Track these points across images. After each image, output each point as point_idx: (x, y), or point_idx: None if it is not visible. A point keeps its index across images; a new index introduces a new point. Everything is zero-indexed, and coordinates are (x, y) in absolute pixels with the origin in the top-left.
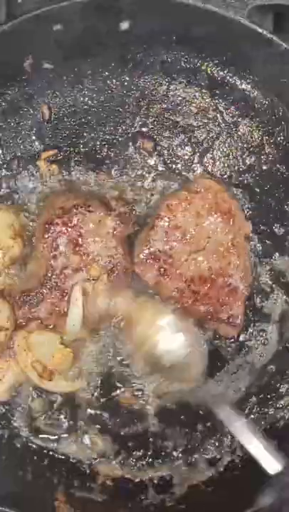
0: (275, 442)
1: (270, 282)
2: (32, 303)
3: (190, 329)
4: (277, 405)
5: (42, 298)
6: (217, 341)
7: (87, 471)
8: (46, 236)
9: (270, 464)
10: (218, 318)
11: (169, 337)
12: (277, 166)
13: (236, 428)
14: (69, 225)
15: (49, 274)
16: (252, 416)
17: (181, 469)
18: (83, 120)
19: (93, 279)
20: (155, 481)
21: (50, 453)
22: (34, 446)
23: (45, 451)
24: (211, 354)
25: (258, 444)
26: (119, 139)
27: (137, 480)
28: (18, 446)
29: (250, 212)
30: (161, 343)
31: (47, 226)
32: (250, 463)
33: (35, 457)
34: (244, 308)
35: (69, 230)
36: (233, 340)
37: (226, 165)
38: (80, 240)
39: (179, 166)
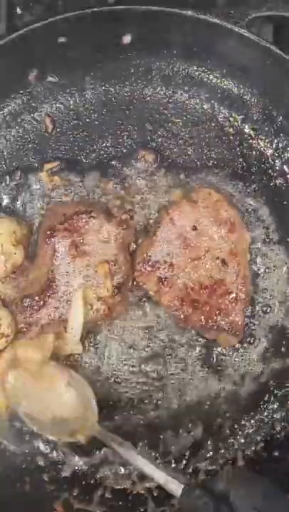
0: (277, 453)
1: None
2: (33, 308)
3: (74, 380)
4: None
5: (43, 304)
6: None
7: (87, 482)
8: (48, 242)
9: (175, 487)
10: (218, 327)
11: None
12: (278, 177)
13: (135, 461)
14: (70, 231)
15: (50, 280)
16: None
17: (180, 481)
18: (86, 133)
19: (97, 285)
20: (155, 493)
21: (50, 464)
22: (33, 457)
23: (43, 460)
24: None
25: (159, 472)
26: (122, 151)
27: (136, 492)
28: (17, 457)
29: (251, 221)
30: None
31: (49, 233)
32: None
33: (34, 469)
34: (244, 317)
35: (70, 236)
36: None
37: (227, 175)
38: (81, 246)
39: (180, 175)
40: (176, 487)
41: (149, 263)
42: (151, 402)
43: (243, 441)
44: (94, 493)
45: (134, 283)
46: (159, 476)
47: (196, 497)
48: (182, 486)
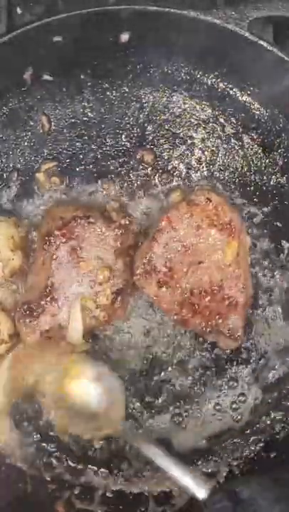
0: (275, 453)
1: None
2: (32, 315)
3: (105, 377)
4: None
5: (42, 310)
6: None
7: (88, 482)
8: (46, 248)
9: (199, 490)
10: (218, 331)
11: (83, 387)
12: (279, 178)
13: (161, 461)
14: (69, 236)
15: (49, 286)
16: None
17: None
18: (83, 132)
19: (96, 292)
20: (155, 493)
21: (51, 464)
22: (35, 457)
23: (46, 461)
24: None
25: (185, 473)
26: (120, 151)
27: (137, 492)
28: (18, 457)
29: (252, 225)
30: (76, 393)
31: (47, 238)
32: (249, 474)
33: (35, 468)
34: (244, 321)
35: (69, 241)
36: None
37: (226, 177)
38: (79, 251)
39: (179, 178)
40: (200, 490)
41: (149, 267)
42: (150, 405)
43: (241, 442)
44: (95, 493)
45: (134, 287)
46: (185, 477)
47: (217, 501)
48: (207, 489)
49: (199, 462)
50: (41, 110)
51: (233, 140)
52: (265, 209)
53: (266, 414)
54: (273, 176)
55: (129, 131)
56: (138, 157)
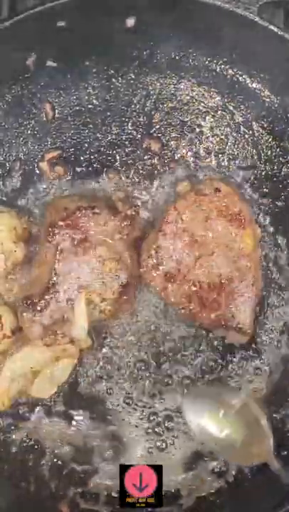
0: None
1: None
2: (35, 309)
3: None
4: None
5: (46, 304)
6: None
7: (92, 483)
8: (50, 239)
9: None
10: (227, 325)
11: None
12: None
13: None
14: (73, 228)
15: (53, 279)
16: None
17: (188, 481)
18: (88, 120)
19: (101, 285)
20: (162, 493)
21: (55, 463)
22: (38, 456)
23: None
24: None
25: None
26: (126, 140)
27: None
28: (21, 456)
29: (262, 216)
30: None
31: (50, 229)
32: (259, 474)
33: (38, 467)
34: (254, 315)
35: (73, 233)
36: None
37: (236, 167)
38: (84, 243)
39: (187, 167)
40: None
41: (156, 259)
42: (156, 397)
43: None
44: (100, 493)
45: (141, 280)
46: None
47: None
48: None
49: (207, 460)
50: (45, 97)
51: (242, 128)
52: (277, 201)
53: (276, 411)
54: (284, 166)
55: (136, 119)
56: (145, 146)
